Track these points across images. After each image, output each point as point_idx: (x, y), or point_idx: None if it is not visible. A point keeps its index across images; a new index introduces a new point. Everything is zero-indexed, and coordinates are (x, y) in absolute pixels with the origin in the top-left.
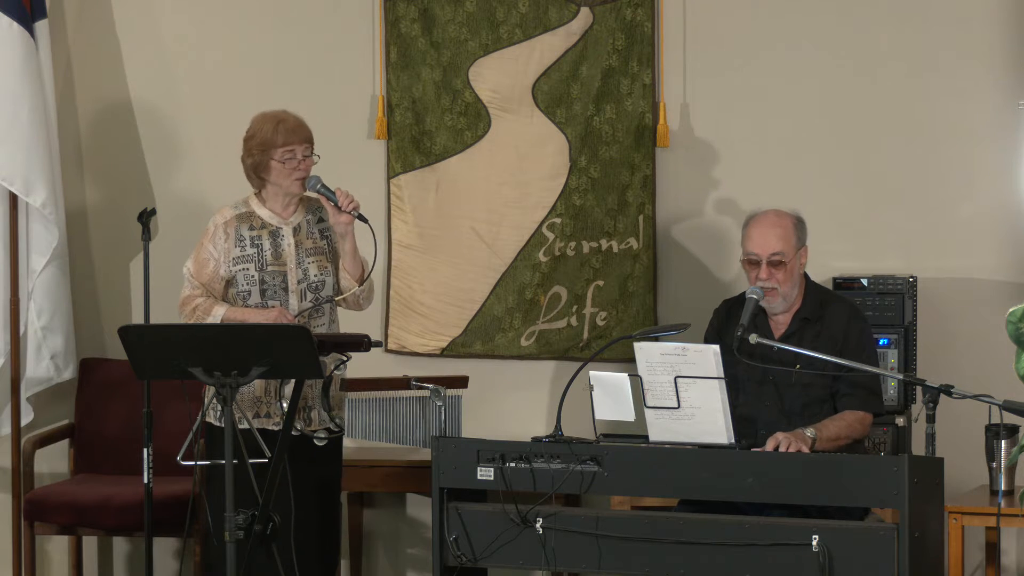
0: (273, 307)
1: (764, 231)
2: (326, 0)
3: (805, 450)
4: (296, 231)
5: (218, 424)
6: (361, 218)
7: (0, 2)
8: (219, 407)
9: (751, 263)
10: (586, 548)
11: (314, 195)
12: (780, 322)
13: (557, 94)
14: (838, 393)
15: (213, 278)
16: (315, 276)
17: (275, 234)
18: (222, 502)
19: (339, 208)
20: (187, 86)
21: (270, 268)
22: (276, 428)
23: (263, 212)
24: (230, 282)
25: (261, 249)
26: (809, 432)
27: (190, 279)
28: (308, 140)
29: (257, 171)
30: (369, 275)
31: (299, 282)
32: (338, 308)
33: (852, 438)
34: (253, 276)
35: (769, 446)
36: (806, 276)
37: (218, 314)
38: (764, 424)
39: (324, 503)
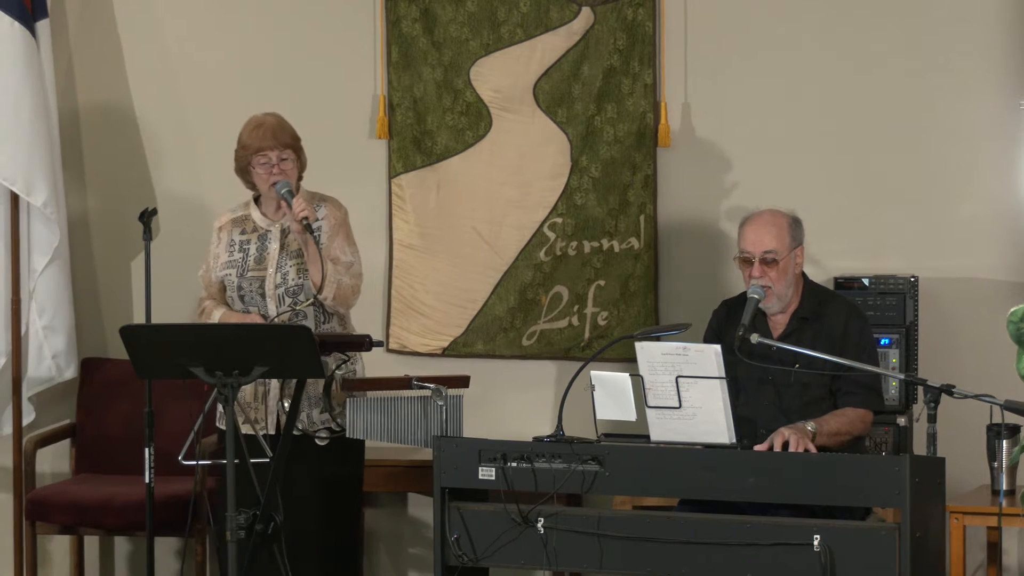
0: (252, 313)
1: (758, 229)
2: (327, 0)
3: (810, 445)
4: (285, 233)
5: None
6: (308, 228)
7: (1, 1)
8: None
9: (744, 261)
10: (587, 548)
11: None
12: (778, 322)
13: (558, 94)
14: (840, 391)
15: (211, 281)
16: (293, 280)
17: (264, 237)
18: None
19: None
20: (188, 86)
21: (250, 274)
22: (264, 432)
23: (256, 215)
24: (224, 286)
25: (247, 254)
26: (810, 426)
27: (201, 282)
28: (285, 145)
29: (243, 176)
30: (322, 286)
31: (277, 286)
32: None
33: (852, 435)
34: (234, 282)
35: (777, 441)
36: (804, 276)
37: (215, 317)
38: (764, 424)
39: (333, 503)
